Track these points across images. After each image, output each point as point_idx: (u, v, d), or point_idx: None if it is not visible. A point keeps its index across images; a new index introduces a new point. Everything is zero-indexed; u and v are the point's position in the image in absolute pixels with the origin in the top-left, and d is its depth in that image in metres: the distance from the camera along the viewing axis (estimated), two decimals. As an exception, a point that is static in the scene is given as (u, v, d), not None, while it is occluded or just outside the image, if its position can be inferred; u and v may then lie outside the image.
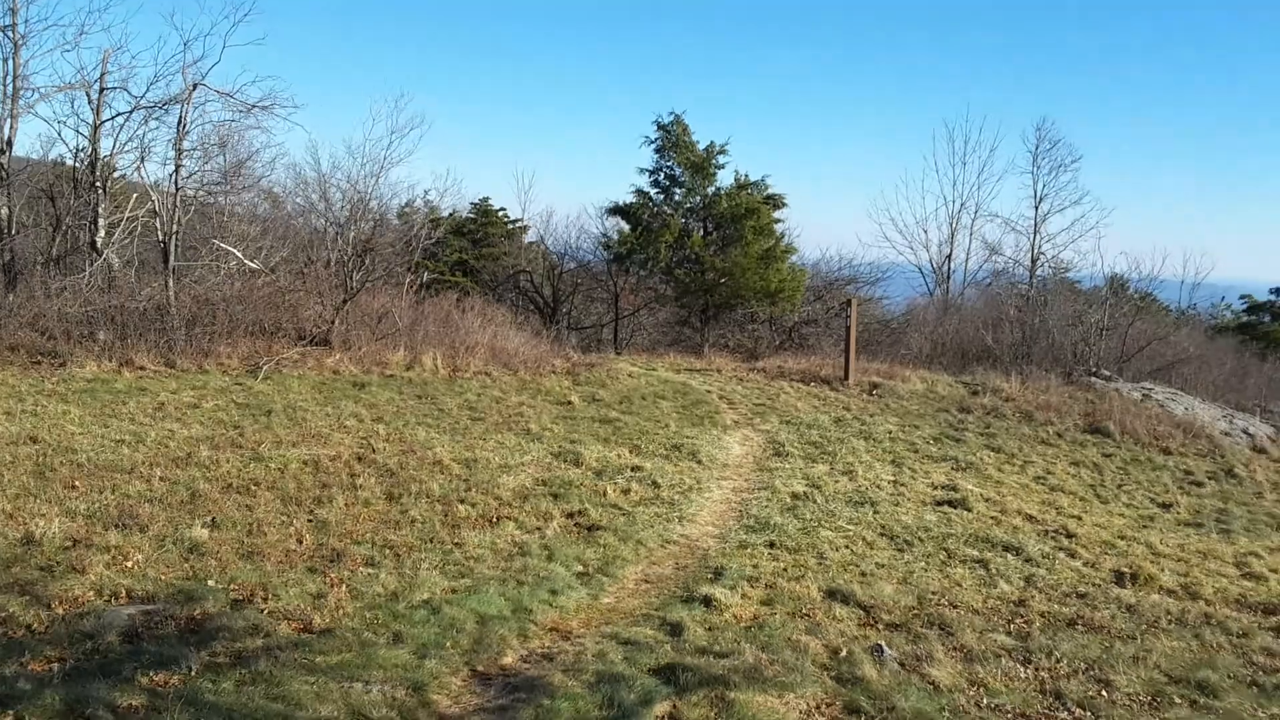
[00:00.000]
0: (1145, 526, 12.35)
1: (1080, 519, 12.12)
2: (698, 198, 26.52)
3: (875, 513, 11.36)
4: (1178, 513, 13.19)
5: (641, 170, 27.14)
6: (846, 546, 10.00)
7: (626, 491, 11.28)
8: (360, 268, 20.15)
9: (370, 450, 11.89)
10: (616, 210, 27.47)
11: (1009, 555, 10.21)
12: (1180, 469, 15.63)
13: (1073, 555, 10.51)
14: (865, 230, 70.62)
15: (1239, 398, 22.57)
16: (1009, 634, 7.88)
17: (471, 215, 38.23)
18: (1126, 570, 10.05)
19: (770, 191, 26.83)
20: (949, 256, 36.37)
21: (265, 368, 15.71)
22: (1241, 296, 40.27)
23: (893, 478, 13.24)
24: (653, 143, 26.64)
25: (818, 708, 6.13)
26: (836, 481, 12.66)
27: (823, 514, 11.11)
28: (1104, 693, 6.81)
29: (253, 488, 9.98)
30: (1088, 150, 36.94)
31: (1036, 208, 33.94)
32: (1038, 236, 33.53)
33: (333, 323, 18.12)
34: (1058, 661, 7.28)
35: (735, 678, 6.26)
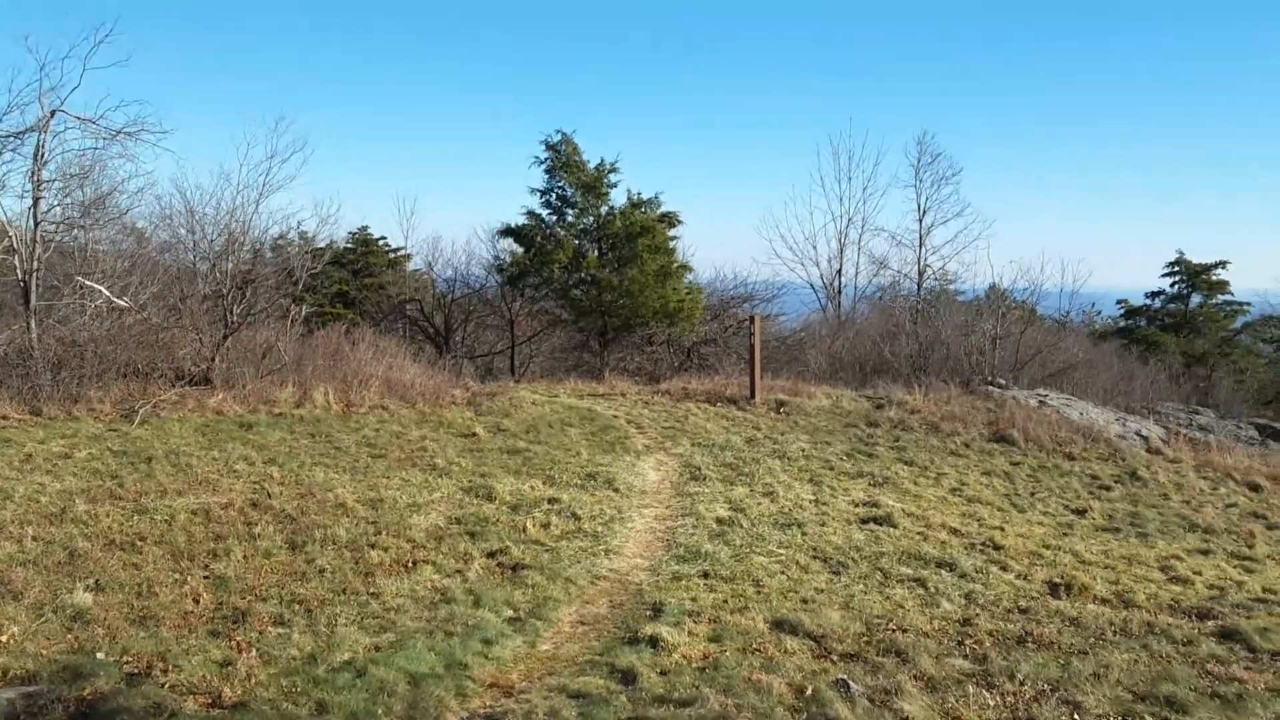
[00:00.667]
0: (1066, 534, 12.35)
1: (1003, 530, 12.05)
2: (591, 218, 25.93)
3: (803, 534, 11.04)
4: (1093, 518, 13.25)
5: (533, 191, 26.45)
6: (782, 572, 9.63)
7: (546, 526, 10.70)
8: (240, 300, 19.00)
9: (265, 495, 11.01)
10: (508, 232, 26.59)
11: (944, 572, 10.01)
12: (1087, 474, 15.81)
13: (1004, 568, 10.38)
14: (758, 249, 71.29)
15: (1128, 400, 23.23)
16: (965, 657, 7.59)
17: (350, 245, 37.03)
18: (1059, 581, 9.97)
19: (664, 209, 26.51)
20: (839, 272, 36.95)
21: (141, 411, 14.54)
22: (1118, 301, 41.67)
23: (814, 497, 12.97)
24: (543, 163, 25.91)
25: (796, 757, 5.67)
26: (759, 504, 12.31)
27: (751, 539, 10.72)
28: (1075, 716, 6.54)
29: (138, 543, 9.03)
30: (969, 164, 38.10)
31: (920, 220, 34.84)
32: (923, 249, 34.40)
33: (212, 360, 17.00)
34: (1021, 684, 7.00)
35: (704, 730, 5.76)
